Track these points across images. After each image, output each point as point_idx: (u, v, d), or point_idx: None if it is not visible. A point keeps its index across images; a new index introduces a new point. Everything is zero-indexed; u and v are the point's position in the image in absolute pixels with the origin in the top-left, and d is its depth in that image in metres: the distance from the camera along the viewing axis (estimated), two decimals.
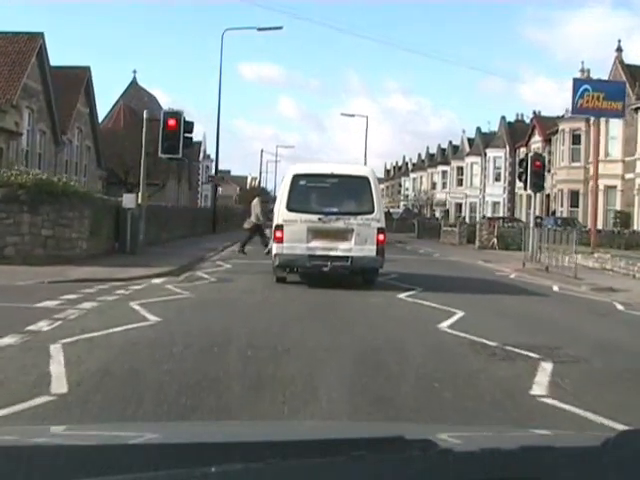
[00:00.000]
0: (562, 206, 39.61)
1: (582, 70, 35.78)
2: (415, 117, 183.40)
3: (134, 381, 5.14)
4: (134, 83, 53.37)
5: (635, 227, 32.42)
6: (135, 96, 49.45)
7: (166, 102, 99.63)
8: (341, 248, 12.34)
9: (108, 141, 37.14)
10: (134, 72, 54.24)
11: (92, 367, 5.48)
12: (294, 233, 12.31)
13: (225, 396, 4.88)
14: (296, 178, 12.69)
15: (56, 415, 4.23)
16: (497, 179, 54.13)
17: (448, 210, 60.85)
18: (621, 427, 3.90)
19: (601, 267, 19.20)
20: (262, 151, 73.39)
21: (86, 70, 34.12)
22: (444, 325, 8.34)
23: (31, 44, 28.07)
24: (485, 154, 55.12)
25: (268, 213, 18.95)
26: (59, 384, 4.91)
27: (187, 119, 17.54)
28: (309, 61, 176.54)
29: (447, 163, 64.94)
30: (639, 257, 18.75)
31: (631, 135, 33.78)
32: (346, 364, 5.94)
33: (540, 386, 5.41)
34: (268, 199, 27.73)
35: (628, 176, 34.41)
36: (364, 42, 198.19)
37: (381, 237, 12.54)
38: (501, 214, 49.75)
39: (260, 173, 71.74)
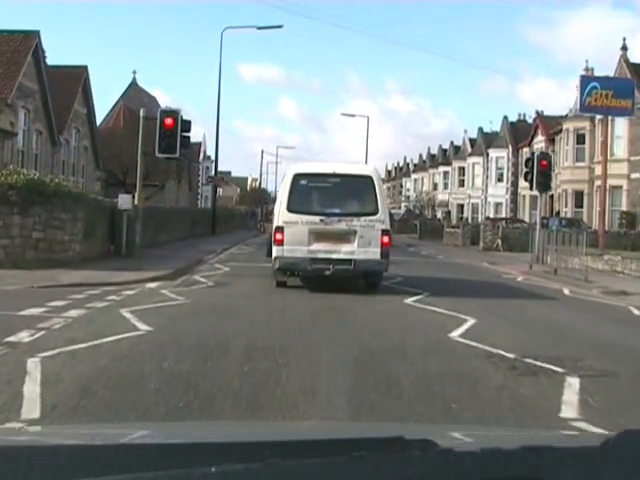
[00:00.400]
0: (566, 206, 39.04)
1: (586, 69, 35.29)
2: (416, 118, 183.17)
3: (117, 403, 4.59)
4: (134, 84, 53.02)
5: None
6: (135, 97, 48.96)
7: (166, 103, 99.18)
8: (344, 251, 11.80)
9: (107, 142, 36.62)
10: (134, 73, 53.99)
11: (71, 386, 4.94)
12: (295, 235, 11.76)
13: (219, 419, 4.34)
14: (297, 178, 12.12)
15: None
16: (499, 180, 53.56)
17: (450, 211, 60.30)
18: None
19: (611, 269, 18.65)
20: (262, 152, 72.58)
21: (83, 69, 33.52)
22: (455, 334, 7.80)
23: (27, 43, 27.56)
24: (487, 154, 54.57)
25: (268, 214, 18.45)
26: (31, 407, 4.36)
27: (185, 118, 17.06)
28: (309, 61, 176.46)
29: (448, 164, 64.37)
30: None
31: (637, 134, 33.20)
32: (352, 381, 5.39)
33: (570, 406, 4.86)
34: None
35: (634, 176, 33.86)
36: (364, 40, 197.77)
37: (386, 239, 12.01)
38: (503, 215, 49.22)
39: (261, 174, 71.50)
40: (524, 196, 46.89)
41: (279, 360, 5.95)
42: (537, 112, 48.63)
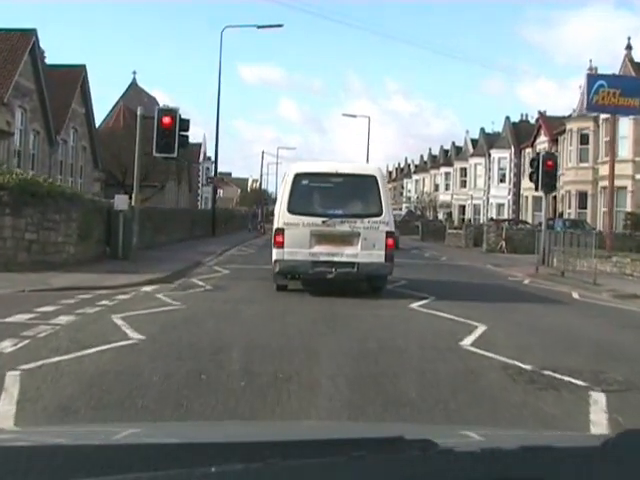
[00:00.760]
0: (570, 208, 38.57)
1: (590, 68, 34.83)
2: (417, 119, 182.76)
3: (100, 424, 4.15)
4: (134, 84, 52.70)
5: None
6: (135, 97, 48.59)
7: (166, 103, 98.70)
8: (346, 253, 11.35)
9: (107, 142, 36.20)
10: (134, 73, 53.68)
11: (51, 404, 4.49)
12: (296, 237, 11.31)
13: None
14: (298, 177, 11.67)
15: None
16: (502, 180, 53.10)
17: (451, 212, 59.84)
18: None
19: (620, 272, 18.19)
20: (263, 153, 72.23)
21: (82, 69, 33.07)
22: (467, 342, 7.35)
23: (24, 41, 27.14)
24: (489, 155, 54.10)
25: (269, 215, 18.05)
26: None
27: (183, 117, 16.61)
28: (310, 62, 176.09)
29: (450, 164, 63.91)
30: None
31: None
32: (359, 398, 4.95)
33: (599, 427, 4.41)
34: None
35: (639, 176, 33.40)
36: (365, 41, 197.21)
37: (390, 241, 11.57)
38: (506, 216, 48.76)
39: (261, 175, 71.00)
40: (527, 197, 46.43)
41: (279, 374, 5.50)
42: (540, 112, 48.15)
